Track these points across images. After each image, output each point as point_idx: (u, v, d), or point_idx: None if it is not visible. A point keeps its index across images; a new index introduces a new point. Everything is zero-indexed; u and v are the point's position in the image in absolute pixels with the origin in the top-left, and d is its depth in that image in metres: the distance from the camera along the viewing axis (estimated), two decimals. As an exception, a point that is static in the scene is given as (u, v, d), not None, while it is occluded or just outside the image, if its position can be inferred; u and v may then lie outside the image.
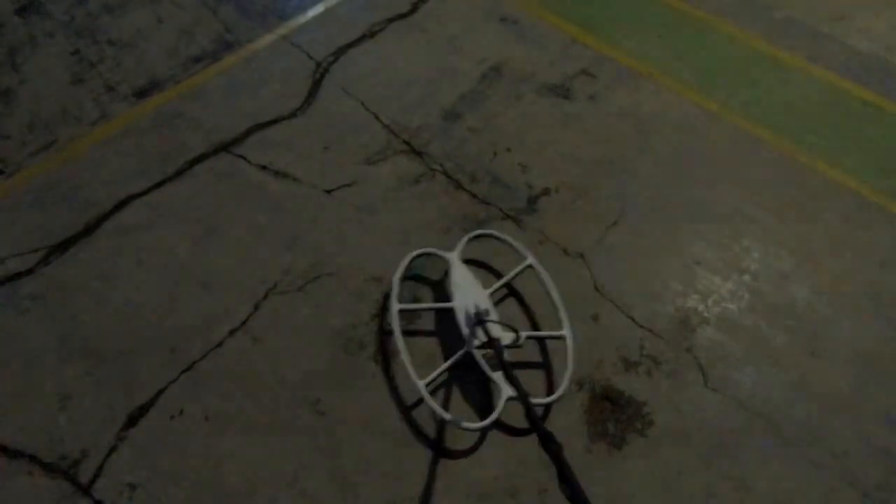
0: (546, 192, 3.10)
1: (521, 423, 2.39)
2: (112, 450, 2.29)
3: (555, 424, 2.40)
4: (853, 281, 2.84)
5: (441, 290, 2.73)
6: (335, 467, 2.29)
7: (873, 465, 2.35)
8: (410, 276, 2.74)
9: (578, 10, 3.99)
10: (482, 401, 2.45)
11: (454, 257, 2.65)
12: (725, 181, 3.18)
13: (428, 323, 2.65)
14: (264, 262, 2.80)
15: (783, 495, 2.29)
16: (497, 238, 2.76)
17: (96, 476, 2.23)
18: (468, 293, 2.53)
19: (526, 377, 2.48)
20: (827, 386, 2.54)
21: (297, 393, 2.44)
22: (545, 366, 2.55)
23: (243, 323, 2.61)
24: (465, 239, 2.72)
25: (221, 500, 2.20)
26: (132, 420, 2.36)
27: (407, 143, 3.26)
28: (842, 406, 2.49)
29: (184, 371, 2.48)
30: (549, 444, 1.72)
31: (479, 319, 2.39)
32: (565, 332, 2.48)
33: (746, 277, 2.84)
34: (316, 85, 3.50)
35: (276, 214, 2.96)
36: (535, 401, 2.31)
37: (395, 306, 2.49)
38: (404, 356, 2.33)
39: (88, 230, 2.87)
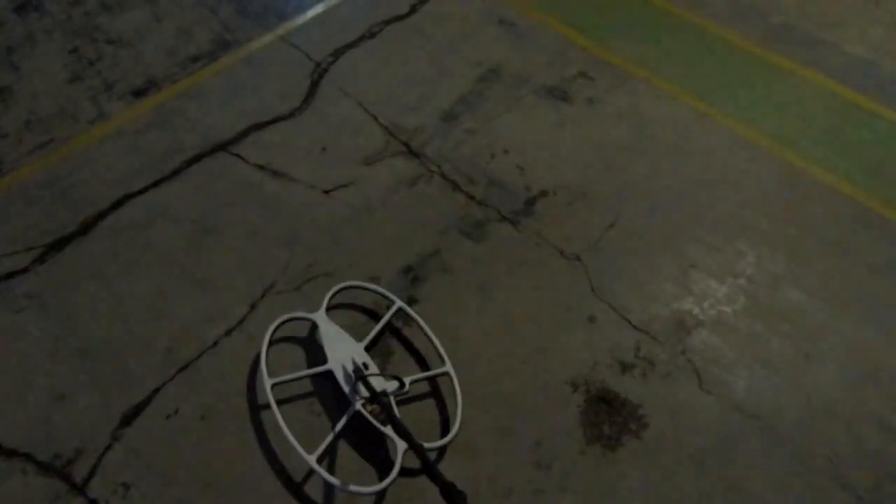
0: (543, 194, 3.11)
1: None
2: (107, 449, 2.28)
3: (551, 426, 2.41)
4: (847, 285, 2.86)
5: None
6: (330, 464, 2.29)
7: (866, 468, 2.37)
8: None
9: (576, 14, 4.00)
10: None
11: (320, 316, 2.52)
12: (721, 185, 3.20)
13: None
14: (261, 261, 2.80)
15: (776, 497, 2.30)
16: (362, 288, 2.66)
17: (90, 475, 2.22)
18: (342, 350, 2.43)
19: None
20: (820, 388, 2.56)
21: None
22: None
23: (240, 322, 2.61)
24: (329, 295, 2.58)
25: (216, 501, 2.20)
26: (127, 419, 2.35)
27: (405, 144, 3.27)
28: (835, 408, 2.51)
29: (180, 370, 2.48)
30: (452, 495, 1.68)
31: (358, 376, 2.31)
32: (447, 368, 2.45)
33: (741, 281, 2.86)
34: (314, 85, 3.50)
35: (273, 214, 2.96)
36: (431, 445, 2.25)
37: (268, 382, 2.31)
38: (286, 432, 2.19)
39: (85, 229, 2.86)
